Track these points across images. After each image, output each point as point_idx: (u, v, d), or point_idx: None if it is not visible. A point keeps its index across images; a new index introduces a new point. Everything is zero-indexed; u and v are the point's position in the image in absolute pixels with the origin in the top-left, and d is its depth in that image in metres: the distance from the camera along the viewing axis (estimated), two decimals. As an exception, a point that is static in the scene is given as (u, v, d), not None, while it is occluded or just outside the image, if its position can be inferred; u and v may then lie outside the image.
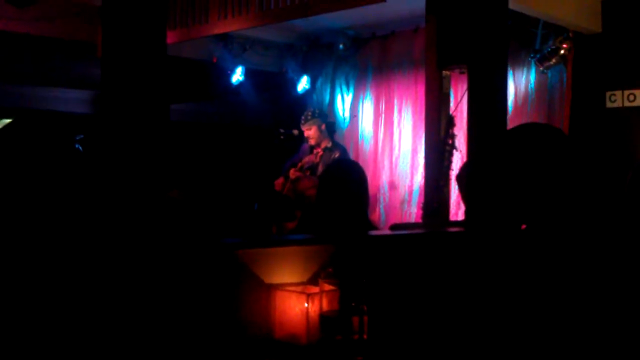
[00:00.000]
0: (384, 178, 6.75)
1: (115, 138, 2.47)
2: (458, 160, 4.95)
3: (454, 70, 4.25)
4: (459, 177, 3.46)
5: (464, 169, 3.49)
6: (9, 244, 1.96)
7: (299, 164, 6.08)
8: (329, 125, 6.31)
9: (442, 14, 3.83)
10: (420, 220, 5.00)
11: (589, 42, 5.42)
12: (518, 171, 1.83)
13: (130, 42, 2.49)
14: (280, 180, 6.03)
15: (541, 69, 5.60)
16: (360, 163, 5.63)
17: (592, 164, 5.11)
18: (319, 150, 6.10)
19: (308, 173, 5.95)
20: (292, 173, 5.92)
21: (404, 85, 6.65)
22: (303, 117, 6.18)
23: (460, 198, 5.30)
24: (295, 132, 6.25)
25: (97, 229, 2.18)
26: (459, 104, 4.73)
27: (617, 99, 5.35)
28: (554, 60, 5.48)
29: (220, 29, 5.73)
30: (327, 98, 7.26)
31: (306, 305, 2.29)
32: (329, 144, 6.11)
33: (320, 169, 5.94)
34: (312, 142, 6.13)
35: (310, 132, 6.11)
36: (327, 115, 6.58)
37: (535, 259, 1.80)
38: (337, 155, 6.00)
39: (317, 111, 6.29)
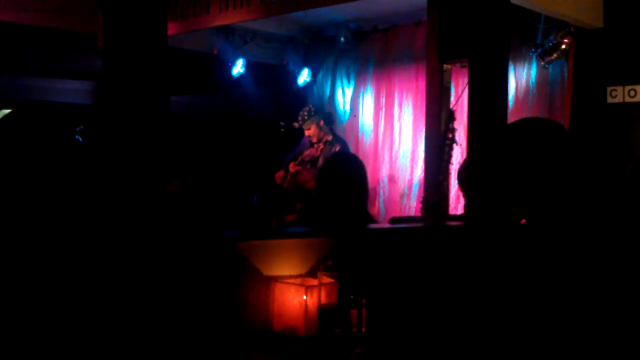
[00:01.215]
0: (384, 172, 6.75)
1: (116, 129, 2.47)
2: (458, 154, 4.95)
3: (455, 64, 4.24)
4: (459, 174, 3.46)
5: (464, 165, 3.48)
6: (7, 235, 1.96)
7: (300, 157, 6.08)
8: (327, 118, 6.27)
9: (443, 7, 3.82)
10: (419, 214, 5.00)
11: (590, 37, 5.41)
12: (518, 166, 1.83)
13: (131, 34, 2.49)
14: (281, 173, 6.03)
15: (542, 63, 5.59)
16: (360, 157, 5.63)
17: (593, 159, 5.12)
18: (321, 144, 6.10)
19: (309, 166, 5.96)
20: (292, 167, 5.92)
21: (404, 78, 6.64)
22: (300, 118, 6.12)
23: (460, 192, 5.31)
24: (296, 124, 6.24)
25: (97, 221, 2.18)
26: (459, 98, 4.73)
27: (618, 95, 5.35)
28: (555, 55, 5.48)
29: (221, 20, 5.73)
30: (327, 91, 7.25)
31: (305, 297, 2.29)
32: (330, 138, 6.11)
33: (321, 162, 5.94)
34: (314, 140, 6.12)
35: (311, 131, 6.10)
36: (323, 108, 6.54)
37: (535, 253, 1.80)
38: (337, 148, 6.00)
39: (312, 109, 6.19)
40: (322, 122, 6.11)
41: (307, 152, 6.12)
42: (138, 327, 2.06)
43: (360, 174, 3.29)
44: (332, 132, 6.24)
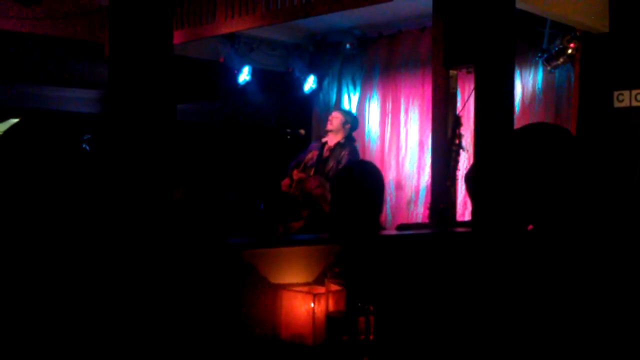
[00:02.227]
0: (391, 178, 6.74)
1: (123, 138, 2.47)
2: (465, 160, 4.94)
3: (461, 69, 4.23)
4: (467, 178, 3.45)
5: (472, 169, 3.47)
6: (17, 243, 1.96)
7: (302, 163, 6.09)
8: (355, 125, 6.32)
9: (449, 13, 3.82)
10: (427, 221, 4.99)
11: (596, 41, 5.39)
12: (525, 171, 1.82)
13: (137, 42, 2.49)
14: (287, 181, 6.03)
15: (548, 68, 5.58)
16: (367, 163, 5.61)
17: (600, 164, 5.09)
18: (330, 145, 6.10)
19: (312, 171, 5.96)
20: (296, 174, 5.93)
21: (410, 84, 6.64)
22: (342, 105, 6.60)
23: (467, 198, 5.29)
24: (302, 131, 6.26)
25: (104, 228, 2.18)
26: (466, 104, 4.72)
27: (625, 99, 5.33)
28: (561, 60, 5.46)
29: (227, 28, 5.74)
30: (333, 98, 7.26)
31: (312, 305, 2.28)
32: (342, 141, 6.11)
33: (330, 164, 5.95)
34: (329, 126, 6.15)
35: (337, 118, 6.15)
36: (357, 124, 6.49)
37: (542, 259, 1.79)
38: (346, 151, 5.99)
39: (354, 115, 6.51)
40: (348, 126, 6.15)
41: (309, 156, 6.13)
42: (145, 335, 2.05)
43: (380, 185, 3.26)
44: (347, 138, 6.23)
